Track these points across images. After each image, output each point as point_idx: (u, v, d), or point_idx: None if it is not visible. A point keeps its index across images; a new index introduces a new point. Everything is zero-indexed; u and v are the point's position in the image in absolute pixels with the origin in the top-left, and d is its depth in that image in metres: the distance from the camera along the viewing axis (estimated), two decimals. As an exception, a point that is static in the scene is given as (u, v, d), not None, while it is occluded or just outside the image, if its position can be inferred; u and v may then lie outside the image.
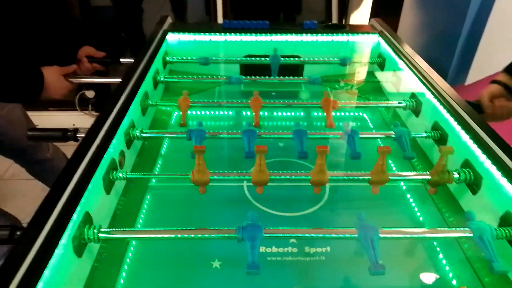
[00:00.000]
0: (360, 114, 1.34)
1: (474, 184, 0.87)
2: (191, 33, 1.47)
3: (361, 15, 2.49)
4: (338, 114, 1.31)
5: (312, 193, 0.87)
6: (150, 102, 1.18)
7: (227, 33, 1.46)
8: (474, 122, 0.91)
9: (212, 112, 1.32)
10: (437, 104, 1.05)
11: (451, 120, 0.98)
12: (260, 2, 3.06)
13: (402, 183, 1.01)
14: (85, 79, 1.41)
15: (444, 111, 1.01)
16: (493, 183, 0.80)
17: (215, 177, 0.85)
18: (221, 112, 1.33)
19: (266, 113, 1.30)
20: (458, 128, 0.95)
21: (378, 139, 1.11)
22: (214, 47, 1.48)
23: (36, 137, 1.12)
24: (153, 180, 1.00)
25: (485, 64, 1.76)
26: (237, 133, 1.01)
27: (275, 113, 1.32)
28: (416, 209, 0.94)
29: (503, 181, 0.77)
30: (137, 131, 1.02)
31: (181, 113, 1.16)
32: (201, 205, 0.93)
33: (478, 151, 0.86)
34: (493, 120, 1.13)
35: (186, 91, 1.19)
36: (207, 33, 1.46)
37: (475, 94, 1.19)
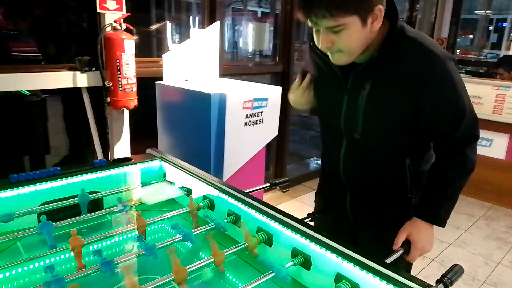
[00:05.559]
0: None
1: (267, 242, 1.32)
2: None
3: (121, 147, 2.84)
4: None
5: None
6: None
7: (19, 187, 1.46)
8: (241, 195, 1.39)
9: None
10: (226, 197, 1.48)
11: (238, 205, 1.43)
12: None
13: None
14: None
15: (233, 200, 1.46)
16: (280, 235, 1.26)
17: None
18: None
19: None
20: (246, 209, 1.40)
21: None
22: (5, 203, 1.43)
23: None
24: None
25: (232, 165, 2.45)
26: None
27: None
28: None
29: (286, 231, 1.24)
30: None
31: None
32: None
33: (265, 220, 1.31)
34: None
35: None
36: (-7, 192, 1.41)
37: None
